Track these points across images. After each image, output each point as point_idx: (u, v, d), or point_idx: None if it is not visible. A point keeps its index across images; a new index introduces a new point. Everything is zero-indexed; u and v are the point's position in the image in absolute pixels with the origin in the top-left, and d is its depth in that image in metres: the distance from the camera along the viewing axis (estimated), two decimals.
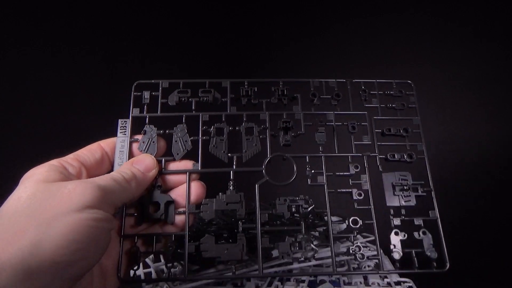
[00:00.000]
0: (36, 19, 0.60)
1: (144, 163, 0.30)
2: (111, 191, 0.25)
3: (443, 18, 0.72)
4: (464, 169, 0.70)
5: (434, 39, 0.73)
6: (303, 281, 0.42)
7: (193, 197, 0.31)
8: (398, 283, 0.44)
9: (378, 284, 0.43)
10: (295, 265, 0.43)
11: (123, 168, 0.29)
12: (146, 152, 0.32)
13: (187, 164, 0.33)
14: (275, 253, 0.43)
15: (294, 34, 0.88)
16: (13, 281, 0.19)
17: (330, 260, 0.46)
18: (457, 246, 0.70)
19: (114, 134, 0.34)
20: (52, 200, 0.22)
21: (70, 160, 0.28)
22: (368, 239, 0.51)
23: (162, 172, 0.32)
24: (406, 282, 0.44)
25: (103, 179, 0.26)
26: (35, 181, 0.24)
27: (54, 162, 0.27)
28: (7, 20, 0.57)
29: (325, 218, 0.51)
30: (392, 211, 0.37)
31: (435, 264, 0.39)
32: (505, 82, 0.67)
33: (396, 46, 0.77)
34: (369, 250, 0.49)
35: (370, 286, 0.43)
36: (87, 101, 0.68)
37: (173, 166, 0.33)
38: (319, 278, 0.45)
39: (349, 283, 0.44)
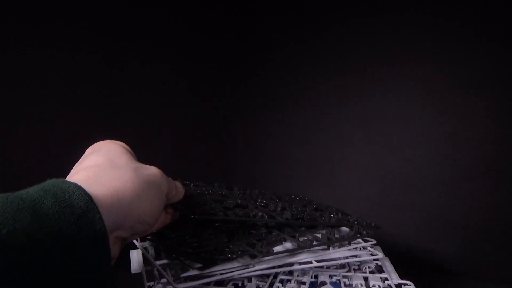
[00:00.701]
0: (36, 19, 0.60)
1: (180, 187, 0.37)
2: (169, 181, 0.33)
3: (443, 18, 0.72)
4: (464, 169, 0.70)
5: (434, 39, 0.73)
6: (304, 283, 0.42)
7: None
8: (398, 285, 0.44)
9: (379, 286, 0.43)
10: (296, 266, 0.43)
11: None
12: None
13: None
14: (276, 249, 0.43)
15: (294, 34, 0.88)
16: (136, 180, 0.27)
17: (332, 262, 0.46)
18: (457, 246, 0.70)
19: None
20: (138, 165, 0.30)
21: None
22: (369, 243, 0.51)
23: None
24: (406, 284, 0.44)
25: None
26: (122, 147, 0.31)
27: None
28: (7, 20, 0.57)
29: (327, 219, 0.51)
30: None
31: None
32: (506, 82, 0.67)
33: (396, 46, 0.77)
34: (371, 254, 0.49)
35: (370, 287, 0.43)
36: (87, 101, 0.68)
37: None
38: (320, 279, 0.46)
39: (350, 285, 0.44)
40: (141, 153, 0.78)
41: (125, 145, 0.32)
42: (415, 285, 0.43)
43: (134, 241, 0.51)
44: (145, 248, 0.48)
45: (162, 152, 0.81)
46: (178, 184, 0.36)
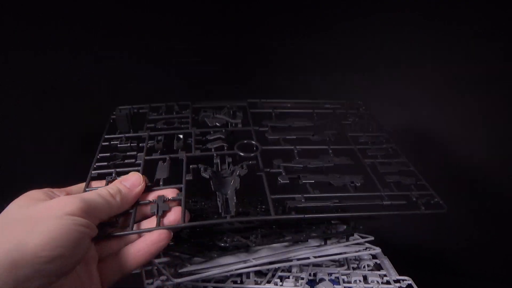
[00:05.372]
0: (35, 21, 0.60)
1: (131, 180, 0.34)
2: (95, 203, 0.29)
3: (443, 18, 0.72)
4: (465, 169, 0.70)
5: (434, 39, 0.73)
6: (302, 279, 0.43)
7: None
8: (397, 281, 0.44)
9: (377, 282, 0.43)
10: (294, 262, 0.43)
11: (111, 185, 0.33)
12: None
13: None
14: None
15: (294, 33, 0.88)
16: (0, 270, 0.22)
17: (327, 258, 0.46)
18: (457, 246, 0.70)
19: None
20: (37, 209, 0.27)
21: (58, 191, 0.32)
22: (366, 239, 0.51)
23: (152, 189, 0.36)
24: (405, 280, 0.44)
25: (89, 194, 0.30)
26: (25, 198, 0.29)
27: (44, 189, 0.31)
28: (7, 20, 0.57)
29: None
30: None
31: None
32: (506, 82, 0.67)
33: (395, 45, 0.76)
34: (368, 249, 0.49)
35: (369, 284, 0.43)
36: (84, 102, 0.68)
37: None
38: (319, 276, 0.46)
39: (349, 282, 0.44)
40: None
41: (35, 192, 0.30)
42: (414, 283, 0.43)
43: None
44: None
45: None
46: (124, 184, 0.33)
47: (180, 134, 0.42)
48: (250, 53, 0.95)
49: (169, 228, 0.32)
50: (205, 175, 0.36)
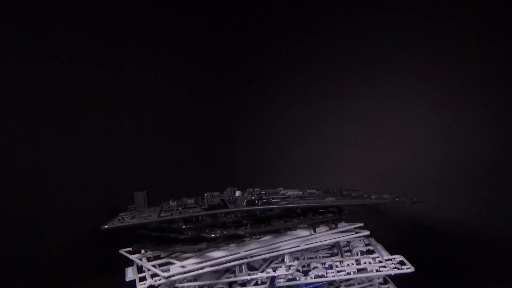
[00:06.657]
0: (35, 23, 0.61)
1: None
2: None
3: (443, 17, 0.72)
4: (464, 169, 0.70)
5: (434, 39, 0.73)
6: (294, 265, 0.43)
7: None
8: (389, 259, 0.44)
9: (370, 262, 0.43)
10: (285, 251, 0.43)
11: None
12: None
13: None
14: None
15: (293, 33, 0.89)
16: None
17: (318, 243, 0.46)
18: (457, 246, 0.69)
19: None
20: None
21: None
22: (356, 225, 0.51)
23: None
24: (396, 257, 0.44)
25: None
26: None
27: None
28: (8, 22, 0.57)
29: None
30: None
31: None
32: (506, 82, 0.67)
33: (396, 46, 0.76)
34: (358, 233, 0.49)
35: (362, 265, 0.43)
36: (85, 105, 0.67)
37: None
38: (312, 265, 0.46)
39: (342, 266, 0.44)
40: (141, 155, 0.77)
41: None
42: (415, 285, 0.43)
43: (126, 254, 0.50)
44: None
45: (162, 153, 0.80)
46: None
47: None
48: (250, 53, 0.96)
49: None
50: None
